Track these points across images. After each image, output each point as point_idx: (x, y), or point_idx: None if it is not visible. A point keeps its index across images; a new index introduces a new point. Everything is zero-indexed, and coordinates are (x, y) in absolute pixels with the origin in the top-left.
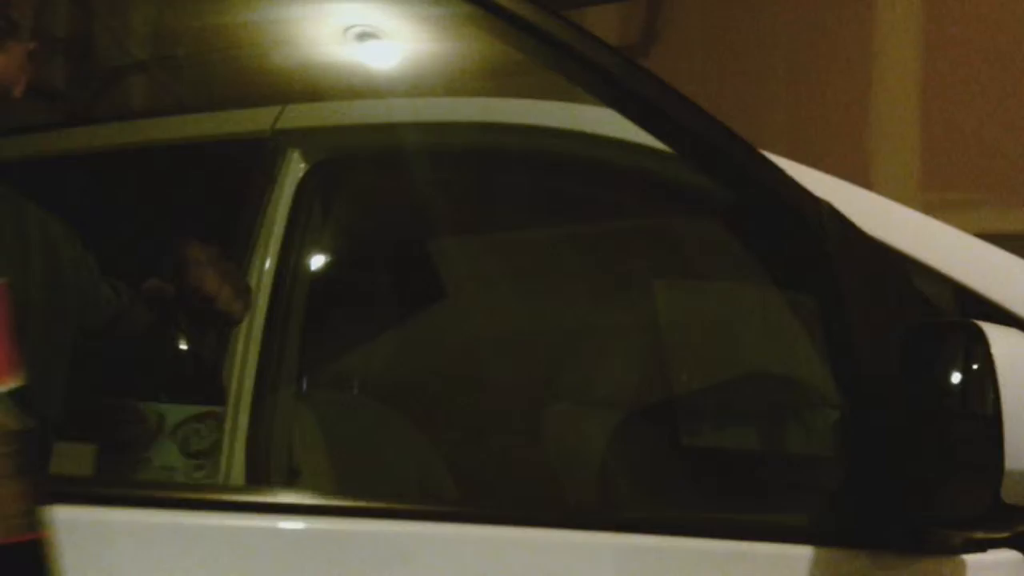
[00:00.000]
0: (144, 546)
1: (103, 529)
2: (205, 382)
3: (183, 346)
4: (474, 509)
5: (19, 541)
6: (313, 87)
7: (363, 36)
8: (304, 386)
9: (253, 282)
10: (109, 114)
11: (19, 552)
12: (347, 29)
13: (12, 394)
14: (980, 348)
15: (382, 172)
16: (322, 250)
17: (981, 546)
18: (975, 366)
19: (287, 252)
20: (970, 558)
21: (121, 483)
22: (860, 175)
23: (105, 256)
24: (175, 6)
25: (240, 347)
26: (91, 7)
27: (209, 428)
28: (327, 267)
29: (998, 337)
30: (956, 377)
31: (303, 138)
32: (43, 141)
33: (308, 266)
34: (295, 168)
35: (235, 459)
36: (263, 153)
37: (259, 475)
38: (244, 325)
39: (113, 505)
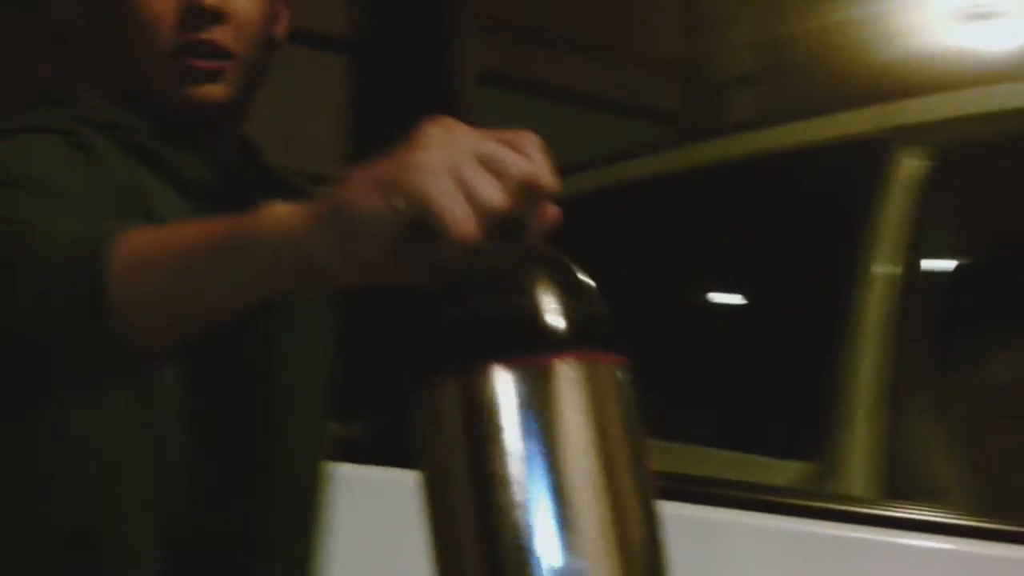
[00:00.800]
0: (755, 549)
1: (717, 528)
2: None
3: None
4: None
5: None
6: (926, 78)
7: (979, 16)
8: (934, 396)
9: (867, 288)
10: (719, 129)
11: None
12: (961, 11)
13: None
14: None
15: (1014, 163)
16: (947, 251)
17: None
18: None
19: (905, 255)
20: None
21: (739, 487)
22: None
23: (714, 265)
24: (776, 15)
25: (861, 356)
26: (699, 26)
27: None
28: (955, 269)
29: None
30: None
31: (918, 134)
32: (658, 161)
33: (932, 269)
34: (910, 166)
35: (857, 470)
36: (872, 153)
37: (887, 488)
38: (866, 333)
39: (732, 507)
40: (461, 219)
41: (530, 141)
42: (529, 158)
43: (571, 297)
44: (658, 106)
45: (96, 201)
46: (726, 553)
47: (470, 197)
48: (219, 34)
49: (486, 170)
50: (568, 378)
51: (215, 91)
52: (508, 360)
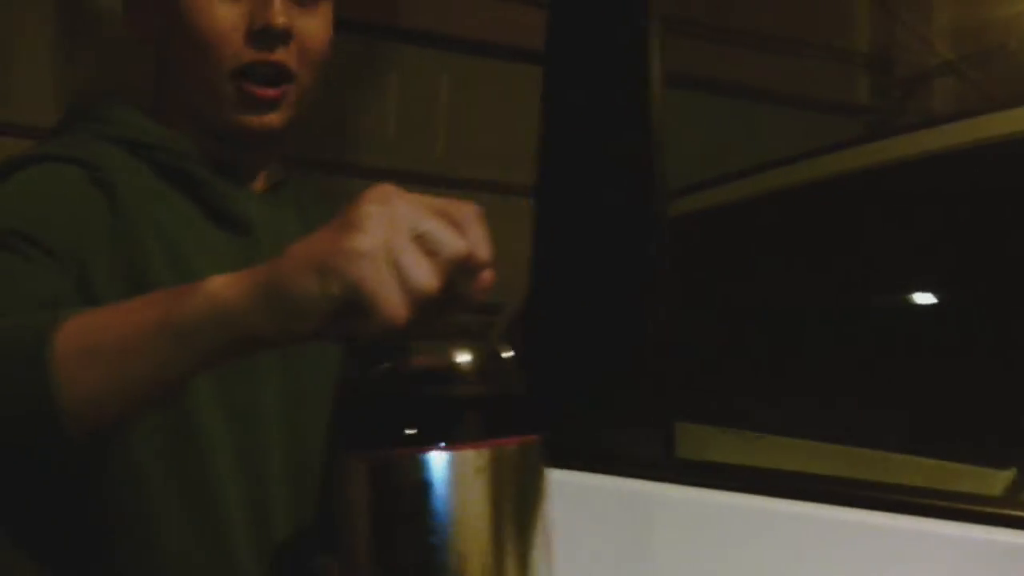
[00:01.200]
0: (951, 559)
1: (912, 538)
2: None
3: None
4: None
5: None
6: None
7: None
8: None
9: None
10: (911, 123)
11: None
12: None
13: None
14: None
15: None
16: None
17: None
18: None
19: None
20: None
21: (935, 495)
22: None
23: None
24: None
25: None
26: (893, 15)
27: None
28: None
29: None
30: None
31: None
32: (845, 157)
33: None
34: None
35: None
36: None
37: None
38: None
39: (927, 516)
40: (392, 304)
41: (467, 213)
42: (465, 232)
43: (485, 383)
44: (852, 101)
45: (99, 247)
46: (921, 564)
47: (403, 281)
48: (284, 55)
49: (421, 250)
50: (472, 467)
51: (272, 119)
52: (413, 449)
